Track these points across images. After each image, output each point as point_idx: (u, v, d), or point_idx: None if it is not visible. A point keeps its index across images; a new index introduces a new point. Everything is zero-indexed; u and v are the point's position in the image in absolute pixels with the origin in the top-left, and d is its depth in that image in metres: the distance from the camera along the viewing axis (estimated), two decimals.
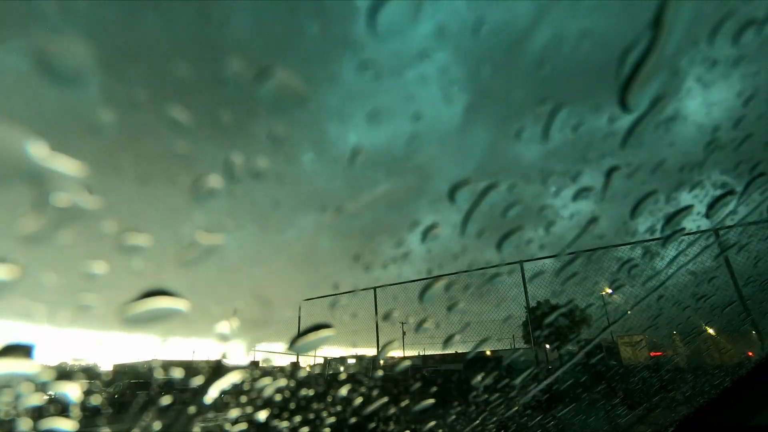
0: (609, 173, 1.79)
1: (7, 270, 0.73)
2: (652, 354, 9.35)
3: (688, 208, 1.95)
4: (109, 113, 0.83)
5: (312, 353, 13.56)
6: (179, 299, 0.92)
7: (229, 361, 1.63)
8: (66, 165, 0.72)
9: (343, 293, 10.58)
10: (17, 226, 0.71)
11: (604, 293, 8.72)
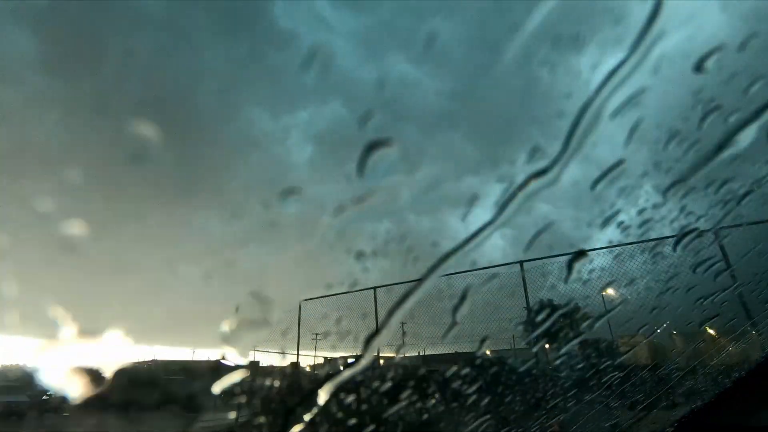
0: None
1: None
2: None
3: (686, 208, 1.96)
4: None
5: (312, 353, 13.54)
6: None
7: (229, 361, 1.63)
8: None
9: (342, 293, 10.58)
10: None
11: (604, 293, 8.73)
